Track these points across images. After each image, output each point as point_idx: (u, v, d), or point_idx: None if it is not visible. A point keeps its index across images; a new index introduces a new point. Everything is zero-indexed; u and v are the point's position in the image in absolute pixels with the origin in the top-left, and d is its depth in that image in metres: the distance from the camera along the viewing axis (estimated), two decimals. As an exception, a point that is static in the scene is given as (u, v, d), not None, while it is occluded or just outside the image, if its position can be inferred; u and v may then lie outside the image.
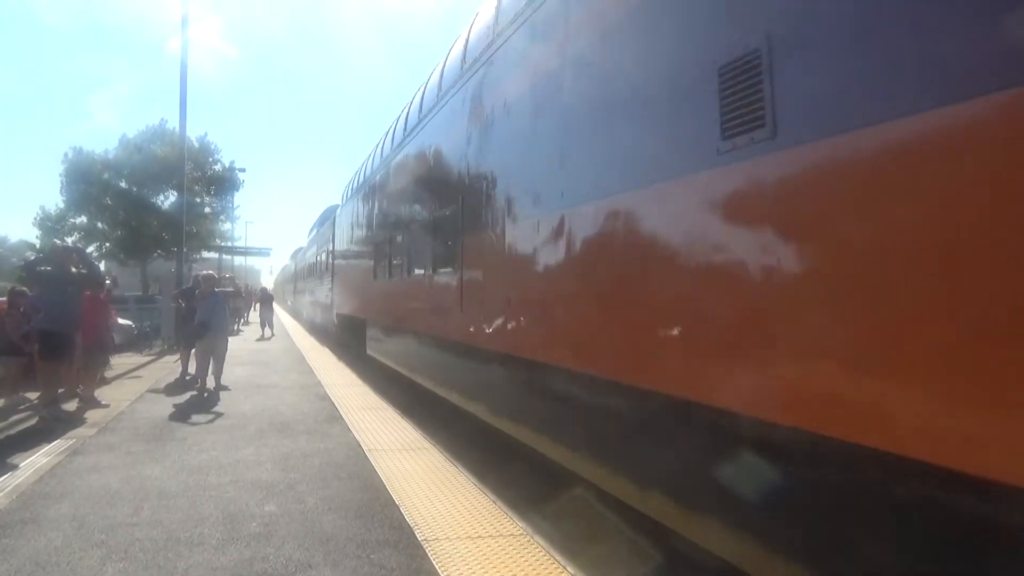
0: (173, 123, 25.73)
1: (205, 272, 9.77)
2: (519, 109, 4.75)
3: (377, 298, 10.32)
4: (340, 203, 16.19)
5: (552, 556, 3.09)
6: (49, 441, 5.48)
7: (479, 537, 3.34)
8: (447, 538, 3.32)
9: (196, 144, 30.95)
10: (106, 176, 29.91)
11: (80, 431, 5.93)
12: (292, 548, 3.18)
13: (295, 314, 30.75)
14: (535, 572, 2.91)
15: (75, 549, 3.17)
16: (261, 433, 5.86)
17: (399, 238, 8.76)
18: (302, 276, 27.46)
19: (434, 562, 3.02)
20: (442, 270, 6.56)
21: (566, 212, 3.87)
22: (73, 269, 6.79)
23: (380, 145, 11.21)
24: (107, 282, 8.00)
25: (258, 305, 24.10)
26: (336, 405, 7.31)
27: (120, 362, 10.95)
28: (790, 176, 2.23)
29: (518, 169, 4.73)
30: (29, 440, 5.57)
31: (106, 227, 31.19)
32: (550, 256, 4.11)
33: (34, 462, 4.82)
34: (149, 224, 30.09)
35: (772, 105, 2.28)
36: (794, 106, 2.21)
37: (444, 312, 6.35)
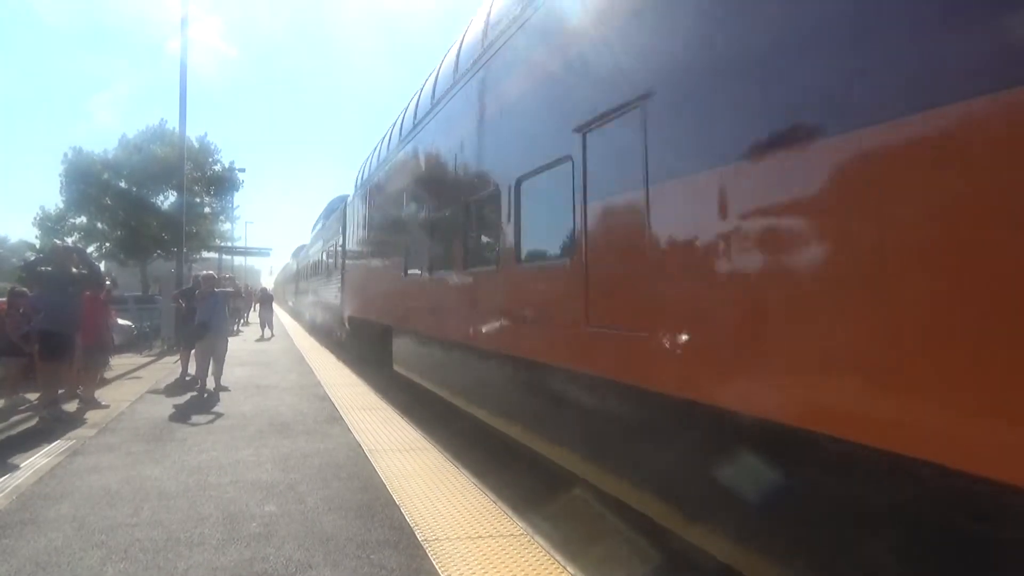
0: (173, 123, 25.79)
1: (205, 272, 9.77)
2: None
3: (411, 299, 7.95)
4: (353, 189, 13.87)
5: (552, 556, 3.09)
6: (49, 442, 5.48)
7: (479, 537, 3.34)
8: (447, 538, 3.32)
9: (196, 144, 30.96)
10: (106, 176, 29.93)
11: (80, 432, 5.93)
12: (292, 548, 3.18)
13: (296, 315, 30.17)
14: (535, 572, 2.91)
15: (75, 550, 3.17)
16: (261, 433, 5.86)
17: (453, 217, 6.32)
18: (305, 275, 25.60)
19: (434, 562, 3.02)
20: (547, 261, 4.43)
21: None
22: (74, 269, 6.79)
23: (414, 102, 8.45)
24: (107, 283, 7.99)
25: (258, 305, 24.12)
26: (336, 405, 7.31)
27: (120, 362, 10.95)
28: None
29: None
30: (29, 441, 5.57)
31: (106, 227, 31.20)
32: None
33: (34, 463, 4.82)
34: (149, 224, 30.10)
35: None
36: None
37: (550, 323, 4.22)
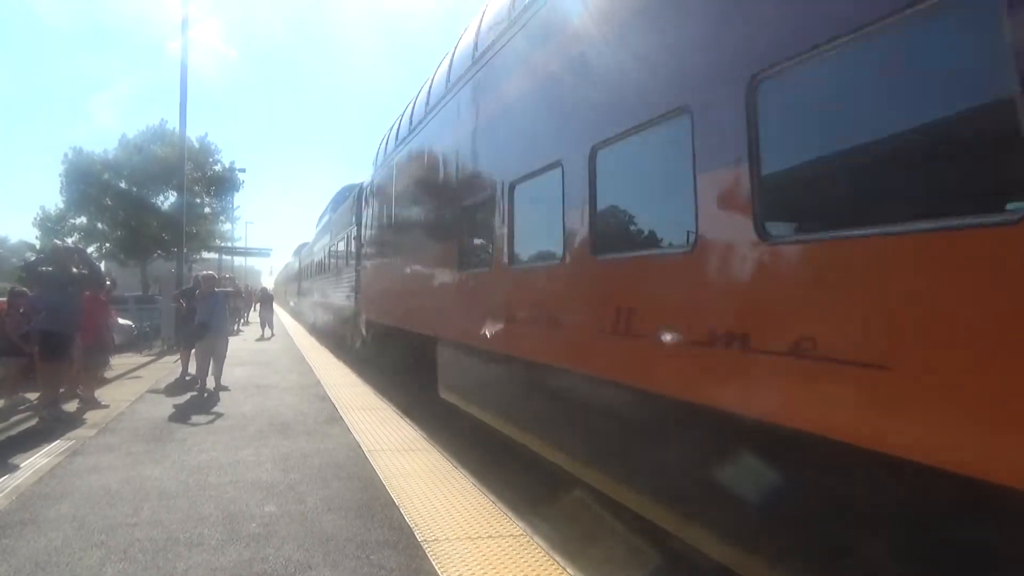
0: (173, 123, 25.81)
1: (205, 272, 9.77)
2: None
3: (475, 303, 5.59)
4: (373, 168, 11.51)
5: (551, 557, 3.09)
6: (49, 442, 5.49)
7: (479, 538, 3.34)
8: (447, 539, 3.33)
9: (196, 144, 30.96)
10: (106, 176, 29.94)
11: (80, 432, 5.93)
12: (292, 548, 3.18)
13: (298, 316, 29.34)
14: (534, 573, 2.91)
15: (75, 550, 3.17)
16: (261, 434, 5.86)
17: (574, 179, 3.89)
18: (309, 274, 23.53)
19: (434, 563, 3.02)
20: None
21: None
22: (74, 270, 6.80)
23: (476, 23, 6.13)
24: (107, 283, 8.00)
25: (258, 305, 24.13)
26: (336, 405, 7.31)
27: (120, 362, 10.95)
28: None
29: None
30: (29, 441, 5.57)
31: (106, 227, 31.22)
32: None
33: (34, 463, 4.82)
34: (149, 224, 30.11)
35: None
36: None
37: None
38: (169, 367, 10.85)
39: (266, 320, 19.83)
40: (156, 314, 16.07)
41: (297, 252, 33.24)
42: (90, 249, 26.02)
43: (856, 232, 2.07)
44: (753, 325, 2.45)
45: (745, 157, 2.50)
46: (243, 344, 15.57)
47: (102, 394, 7.67)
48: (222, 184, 33.29)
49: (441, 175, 6.89)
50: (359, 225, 12.27)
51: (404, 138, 8.82)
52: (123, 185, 30.42)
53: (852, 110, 2.23)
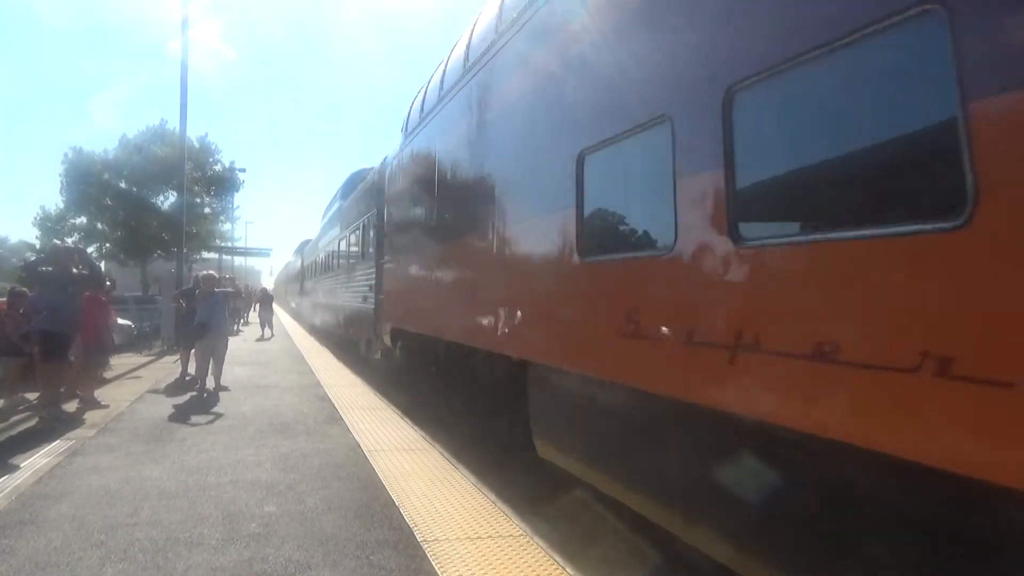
0: (173, 123, 25.78)
1: (205, 272, 9.76)
2: None
3: (611, 309, 3.30)
4: (403, 136, 8.58)
5: (551, 557, 3.09)
6: (49, 442, 5.49)
7: (478, 538, 3.34)
8: (446, 539, 3.33)
9: (196, 144, 30.92)
10: (106, 176, 29.91)
11: (80, 432, 5.93)
12: (292, 548, 3.18)
13: (299, 318, 28.29)
14: (534, 573, 2.92)
15: (74, 550, 3.17)
16: (261, 434, 5.87)
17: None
18: (314, 272, 20.95)
19: (433, 563, 3.02)
20: None
21: None
22: (74, 270, 6.80)
23: None
24: (107, 283, 8.00)
25: (258, 305, 24.13)
26: (336, 405, 7.31)
27: (120, 362, 10.95)
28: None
29: None
30: (29, 441, 5.57)
31: (106, 227, 31.18)
32: None
33: (34, 463, 4.82)
34: (149, 224, 30.09)
35: None
36: None
37: None
38: (169, 367, 10.85)
39: (266, 320, 19.85)
40: (156, 314, 16.08)
41: (299, 250, 30.88)
42: (90, 249, 26.00)
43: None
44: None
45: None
46: (243, 344, 15.58)
47: (102, 394, 7.67)
48: (222, 184, 33.26)
49: (546, 109, 4.33)
50: (380, 212, 9.82)
51: (448, 91, 6.35)
52: (123, 185, 30.38)
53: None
